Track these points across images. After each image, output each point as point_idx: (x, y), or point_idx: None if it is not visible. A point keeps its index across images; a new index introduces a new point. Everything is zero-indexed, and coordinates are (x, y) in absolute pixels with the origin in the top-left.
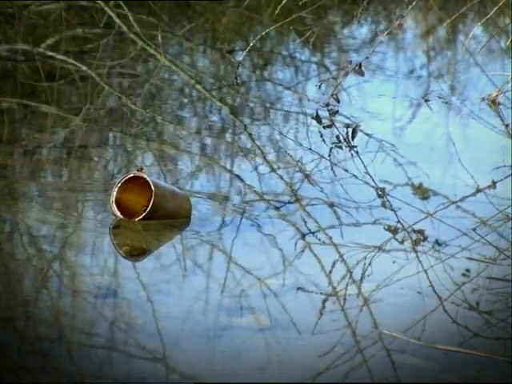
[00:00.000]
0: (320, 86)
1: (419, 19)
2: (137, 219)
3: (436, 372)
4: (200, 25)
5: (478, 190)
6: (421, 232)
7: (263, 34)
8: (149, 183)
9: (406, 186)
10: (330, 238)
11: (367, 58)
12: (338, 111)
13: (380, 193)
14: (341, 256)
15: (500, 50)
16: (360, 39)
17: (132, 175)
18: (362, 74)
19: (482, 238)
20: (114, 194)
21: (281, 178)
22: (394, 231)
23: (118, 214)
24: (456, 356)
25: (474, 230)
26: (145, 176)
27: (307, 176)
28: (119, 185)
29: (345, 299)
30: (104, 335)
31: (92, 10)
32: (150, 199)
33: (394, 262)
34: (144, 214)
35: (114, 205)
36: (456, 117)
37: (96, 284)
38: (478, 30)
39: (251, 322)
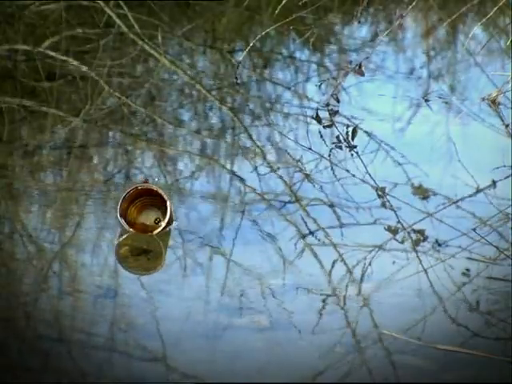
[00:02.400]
0: (320, 86)
1: (419, 19)
2: (155, 232)
3: (436, 372)
4: (200, 25)
5: (478, 190)
6: (421, 232)
7: (263, 33)
8: (159, 195)
9: (405, 186)
10: (330, 238)
11: (367, 57)
12: (338, 111)
13: (380, 193)
14: (341, 256)
15: (500, 50)
16: (360, 39)
17: (137, 188)
18: (362, 74)
19: (482, 238)
20: (120, 208)
21: (281, 178)
22: (394, 231)
23: (128, 227)
24: (456, 356)
25: (474, 230)
26: (155, 188)
27: (307, 176)
28: (124, 198)
29: (345, 299)
30: (104, 335)
31: (92, 10)
32: (163, 211)
33: (394, 262)
34: (163, 227)
35: (122, 219)
36: (456, 117)
37: (96, 284)
38: (478, 30)
39: (251, 322)
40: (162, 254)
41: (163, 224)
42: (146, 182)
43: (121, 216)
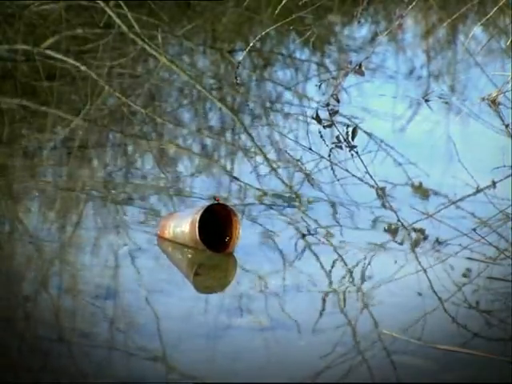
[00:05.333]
0: (320, 86)
1: (419, 19)
2: (228, 250)
3: (436, 372)
4: (200, 25)
5: (478, 190)
6: (421, 232)
7: (263, 33)
8: (228, 212)
9: (405, 186)
10: (330, 238)
11: (367, 57)
12: (337, 111)
13: (380, 193)
14: (341, 256)
15: (500, 50)
16: (360, 39)
17: (210, 206)
18: (362, 74)
19: (482, 238)
20: (197, 229)
21: (281, 178)
22: (394, 231)
23: (204, 247)
24: (456, 356)
25: (474, 230)
26: (228, 206)
27: (307, 176)
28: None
29: (345, 299)
30: (104, 335)
31: (92, 10)
32: (230, 227)
33: (395, 262)
34: (233, 245)
35: (200, 240)
36: (456, 117)
37: (96, 284)
38: (477, 30)
39: (251, 322)
40: (234, 270)
41: (237, 240)
42: (217, 199)
43: (199, 237)
